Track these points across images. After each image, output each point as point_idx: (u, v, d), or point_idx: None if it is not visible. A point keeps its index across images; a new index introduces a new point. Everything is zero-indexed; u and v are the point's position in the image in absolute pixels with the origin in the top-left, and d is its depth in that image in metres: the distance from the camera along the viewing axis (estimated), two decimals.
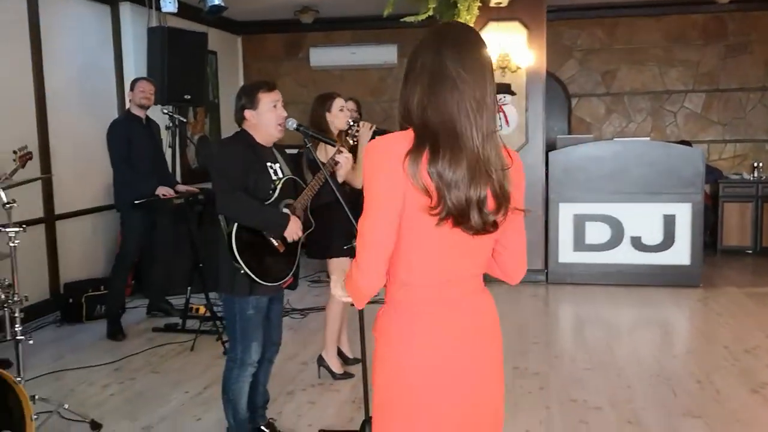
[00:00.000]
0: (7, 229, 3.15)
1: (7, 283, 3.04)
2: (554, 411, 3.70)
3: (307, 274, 6.73)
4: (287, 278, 3.24)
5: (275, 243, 3.15)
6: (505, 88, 6.66)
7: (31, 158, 4.27)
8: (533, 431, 3.46)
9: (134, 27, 6.45)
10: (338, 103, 4.11)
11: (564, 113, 8.60)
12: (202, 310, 5.25)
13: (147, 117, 5.25)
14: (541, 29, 6.58)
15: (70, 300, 5.44)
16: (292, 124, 3.16)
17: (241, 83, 8.91)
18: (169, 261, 5.62)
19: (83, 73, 6.02)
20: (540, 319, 5.69)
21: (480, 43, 1.65)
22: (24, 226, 3.24)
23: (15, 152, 4.20)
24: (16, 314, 3.15)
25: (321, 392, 4.05)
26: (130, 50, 6.43)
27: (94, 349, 4.86)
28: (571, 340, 5.19)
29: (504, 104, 6.69)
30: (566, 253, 6.62)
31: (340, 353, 4.43)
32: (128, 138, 5.03)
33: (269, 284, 3.09)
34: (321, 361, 4.27)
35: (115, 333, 5.03)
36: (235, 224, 3.01)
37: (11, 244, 3.18)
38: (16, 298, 3.11)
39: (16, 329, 3.14)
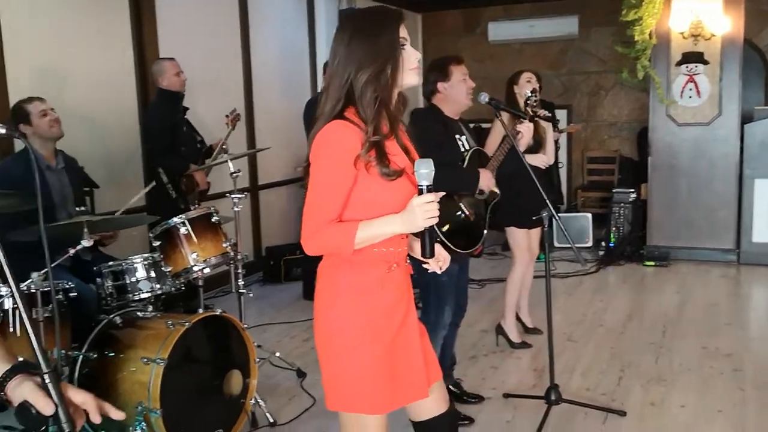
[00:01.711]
0: (233, 196, 3.59)
1: (233, 242, 3.47)
2: (749, 393, 3.57)
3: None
4: (477, 246, 3.41)
5: (466, 212, 3.32)
6: (697, 57, 6.32)
7: (239, 119, 4.78)
8: (727, 413, 3.37)
9: (327, 10, 6.87)
10: (526, 75, 4.21)
11: (760, 83, 7.94)
12: None
13: None
14: None
15: (271, 262, 6.03)
16: (485, 97, 3.28)
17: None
18: None
19: (282, 56, 6.55)
20: (732, 300, 5.42)
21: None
22: (246, 193, 3.67)
23: (227, 116, 4.73)
24: (240, 270, 3.59)
25: (502, 359, 4.19)
26: (322, 32, 6.87)
27: (293, 306, 5.35)
28: None
29: (695, 74, 6.36)
30: (762, 233, 6.20)
31: (520, 322, 4.55)
32: None
33: (463, 252, 3.26)
34: (499, 329, 4.40)
35: (311, 293, 5.46)
36: None
37: (235, 209, 3.62)
38: (239, 256, 3.55)
39: (240, 283, 3.59)
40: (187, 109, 4.78)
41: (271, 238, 6.34)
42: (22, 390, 1.16)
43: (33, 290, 2.75)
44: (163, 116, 4.60)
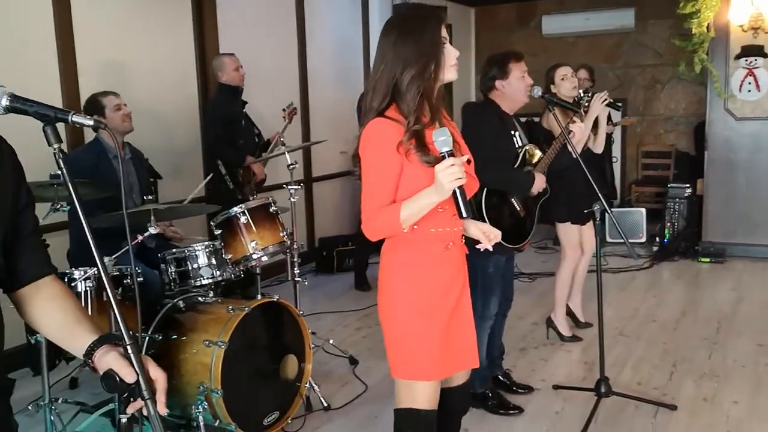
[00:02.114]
0: (290, 187, 3.70)
1: (289, 231, 3.58)
2: None
3: (533, 241, 6.85)
4: (526, 241, 3.45)
5: (518, 207, 3.36)
6: (757, 51, 6.18)
7: (296, 113, 4.91)
8: None
9: (381, 6, 6.96)
10: (560, 72, 4.10)
11: None
12: None
13: None
14: None
15: (324, 253, 6.17)
16: (537, 91, 3.31)
17: (473, 55, 9.13)
18: None
19: (337, 51, 6.66)
20: None
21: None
22: (302, 184, 3.78)
23: (284, 110, 4.87)
24: (295, 259, 3.71)
25: (552, 351, 4.21)
26: (376, 26, 6.94)
27: (345, 296, 5.47)
28: None
29: (755, 68, 6.21)
30: None
31: (572, 316, 4.56)
32: None
33: (512, 247, 3.30)
34: (550, 322, 4.42)
35: (362, 284, 5.60)
36: (485, 189, 3.22)
37: (291, 200, 3.74)
38: (295, 246, 3.66)
39: (295, 272, 3.71)
40: (245, 102, 4.93)
41: (324, 229, 6.47)
42: (107, 358, 1.28)
43: None
44: (222, 110, 4.75)
